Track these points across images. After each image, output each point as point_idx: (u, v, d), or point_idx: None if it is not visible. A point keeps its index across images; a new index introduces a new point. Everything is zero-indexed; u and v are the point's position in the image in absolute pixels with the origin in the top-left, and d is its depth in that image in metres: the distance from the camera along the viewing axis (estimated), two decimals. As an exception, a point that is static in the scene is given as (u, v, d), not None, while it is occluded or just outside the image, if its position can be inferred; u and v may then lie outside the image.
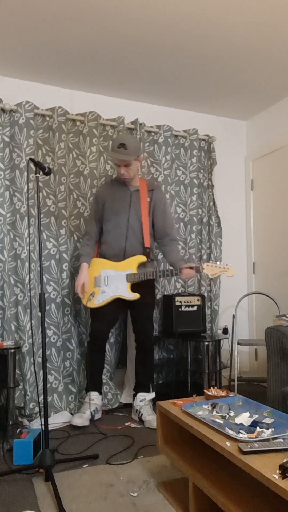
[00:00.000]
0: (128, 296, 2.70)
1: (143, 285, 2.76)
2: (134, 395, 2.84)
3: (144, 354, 2.83)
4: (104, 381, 3.06)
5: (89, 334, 2.85)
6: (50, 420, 2.81)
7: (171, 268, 2.77)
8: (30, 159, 2.13)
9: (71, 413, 2.92)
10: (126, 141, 2.62)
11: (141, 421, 2.73)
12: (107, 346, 3.11)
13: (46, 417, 2.03)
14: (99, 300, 2.74)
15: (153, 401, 3.06)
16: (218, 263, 2.56)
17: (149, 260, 2.78)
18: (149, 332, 2.81)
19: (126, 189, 2.82)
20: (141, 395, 2.80)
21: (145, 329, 2.80)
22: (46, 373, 2.10)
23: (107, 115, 3.42)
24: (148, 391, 2.83)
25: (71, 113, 3.24)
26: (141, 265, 2.76)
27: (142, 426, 2.69)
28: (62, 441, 2.46)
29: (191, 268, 2.60)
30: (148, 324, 2.82)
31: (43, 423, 2.70)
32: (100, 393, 2.83)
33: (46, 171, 2.14)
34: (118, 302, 2.75)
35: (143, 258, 2.73)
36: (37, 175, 2.17)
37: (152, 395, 2.84)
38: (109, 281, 2.74)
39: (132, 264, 2.72)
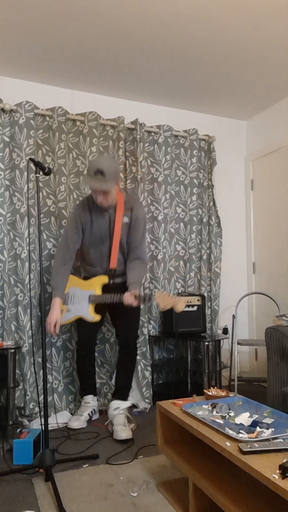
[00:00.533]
0: (88, 318, 2.65)
1: (120, 290, 2.64)
2: (110, 400, 2.71)
3: (126, 356, 2.72)
4: (104, 381, 3.06)
5: (76, 341, 2.82)
6: (50, 420, 2.81)
7: (118, 295, 2.54)
8: (30, 159, 2.12)
9: (71, 413, 2.92)
10: (104, 167, 2.37)
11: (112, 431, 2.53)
12: (107, 346, 3.11)
13: (46, 417, 2.03)
14: (64, 318, 2.72)
15: (153, 402, 3.06)
16: (171, 294, 2.53)
17: (110, 283, 2.67)
18: (131, 335, 2.72)
19: (104, 212, 2.63)
20: (115, 403, 2.62)
21: (127, 332, 2.70)
22: (46, 373, 2.10)
23: (107, 115, 3.42)
24: (124, 398, 2.68)
25: (71, 113, 3.24)
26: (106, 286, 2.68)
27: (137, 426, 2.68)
28: (62, 441, 2.46)
29: (135, 296, 2.43)
30: (132, 327, 2.72)
31: (43, 423, 2.70)
32: (95, 395, 2.81)
33: (46, 171, 2.14)
34: (99, 306, 2.68)
35: (104, 280, 2.66)
36: (37, 175, 2.16)
37: (127, 403, 2.68)
38: (75, 300, 2.72)
39: (95, 284, 2.66)
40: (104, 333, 3.12)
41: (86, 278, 2.77)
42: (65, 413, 2.87)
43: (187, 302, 3.18)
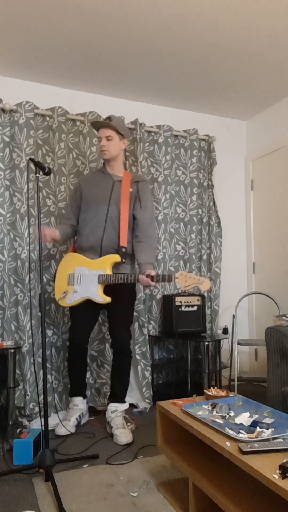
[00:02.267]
0: (97, 299, 2.48)
1: (121, 287, 2.59)
2: (107, 404, 2.65)
3: (120, 361, 2.62)
4: (103, 380, 3.06)
5: (68, 339, 2.70)
6: (50, 420, 2.81)
7: (134, 274, 2.46)
8: (30, 159, 2.12)
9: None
10: (113, 117, 2.59)
11: (112, 434, 2.51)
12: (107, 346, 3.10)
13: (46, 417, 2.03)
14: (70, 300, 2.55)
15: (153, 402, 3.06)
16: (193, 273, 2.32)
17: (123, 261, 2.54)
18: (125, 338, 2.61)
19: (108, 178, 2.65)
20: (112, 406, 2.58)
21: (120, 335, 2.60)
22: (46, 373, 2.09)
23: (107, 115, 3.42)
24: (121, 401, 2.62)
25: (71, 113, 3.24)
26: (116, 266, 2.56)
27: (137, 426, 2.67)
28: (62, 441, 2.46)
29: (151, 276, 2.34)
30: (124, 327, 2.62)
31: (43, 423, 2.69)
32: (84, 397, 2.72)
33: (46, 171, 2.14)
34: (94, 303, 2.54)
35: (116, 258, 2.49)
36: (37, 175, 2.17)
37: (125, 406, 2.63)
38: (82, 280, 2.53)
39: (105, 263, 2.50)
40: (104, 333, 3.11)
41: (87, 255, 2.61)
42: (65, 413, 2.86)
43: (188, 302, 3.18)
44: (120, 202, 2.58)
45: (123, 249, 2.55)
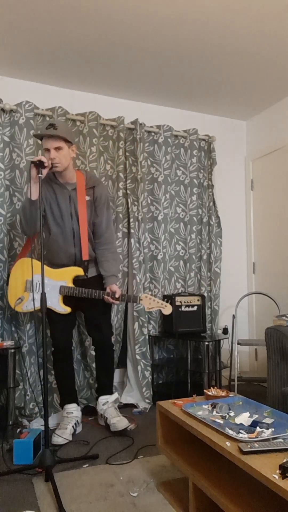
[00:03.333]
0: (58, 309, 2.50)
1: (94, 283, 2.58)
2: (96, 399, 2.71)
3: (103, 357, 2.66)
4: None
5: (52, 345, 2.65)
6: (50, 420, 2.81)
7: (99, 289, 2.51)
8: (32, 162, 2.14)
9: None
10: (57, 122, 2.38)
11: (107, 425, 2.57)
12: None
13: (46, 417, 2.03)
14: (27, 306, 2.51)
15: (153, 402, 3.06)
16: (156, 298, 2.48)
17: (86, 275, 2.55)
18: (104, 334, 2.64)
19: (63, 189, 2.53)
20: (103, 399, 2.64)
21: (100, 332, 2.62)
22: (46, 373, 2.09)
23: (107, 115, 3.42)
24: (110, 393, 2.68)
25: (71, 113, 3.24)
26: (76, 278, 2.54)
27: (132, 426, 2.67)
28: (60, 447, 2.45)
29: (115, 296, 2.44)
30: (104, 326, 2.64)
31: (43, 423, 2.69)
32: (78, 404, 2.66)
33: (46, 165, 2.19)
34: (69, 303, 2.53)
35: (79, 271, 2.51)
36: (40, 175, 2.18)
37: (115, 396, 2.70)
38: (41, 289, 2.46)
39: (67, 275, 2.51)
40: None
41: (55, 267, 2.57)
42: (57, 419, 2.85)
43: (188, 302, 3.18)
44: (79, 215, 2.52)
45: (85, 263, 2.54)
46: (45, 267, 2.54)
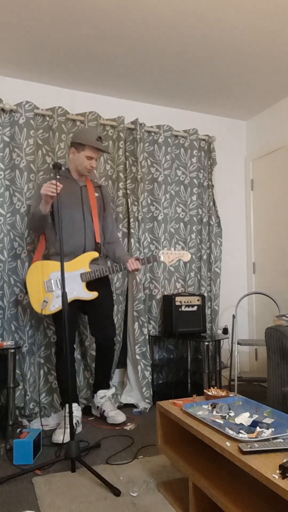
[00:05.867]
0: (86, 296, 2.55)
1: (98, 284, 2.64)
2: (93, 392, 2.82)
3: (104, 355, 2.72)
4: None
5: (56, 343, 2.66)
6: (49, 420, 2.81)
7: (119, 263, 2.64)
8: (53, 165, 2.24)
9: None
10: (101, 135, 2.66)
11: (103, 417, 2.72)
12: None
13: (70, 409, 2.05)
14: (55, 305, 2.52)
15: (153, 402, 3.06)
16: (172, 249, 2.57)
17: (100, 255, 2.68)
18: (109, 334, 2.68)
19: (75, 183, 2.72)
20: (101, 392, 2.76)
21: (105, 332, 2.66)
22: (68, 365, 2.05)
23: (107, 115, 3.42)
24: (107, 387, 2.80)
25: (71, 113, 3.24)
26: (92, 262, 2.63)
27: (131, 426, 2.68)
28: (59, 447, 2.45)
29: (139, 259, 2.59)
30: (109, 326, 2.69)
31: (43, 423, 2.70)
32: (78, 403, 2.67)
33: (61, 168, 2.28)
34: (73, 304, 2.58)
35: (95, 254, 2.61)
36: (58, 176, 2.26)
37: (112, 390, 2.82)
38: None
39: (84, 262, 2.58)
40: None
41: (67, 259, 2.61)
42: (57, 418, 2.86)
43: (188, 302, 3.18)
44: (91, 206, 2.70)
45: (98, 245, 2.67)
46: (56, 263, 2.60)
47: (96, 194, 2.76)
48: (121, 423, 2.64)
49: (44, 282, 2.57)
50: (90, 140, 2.59)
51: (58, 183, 2.30)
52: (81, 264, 2.58)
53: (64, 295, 2.12)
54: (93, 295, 2.57)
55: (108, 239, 2.82)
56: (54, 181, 2.32)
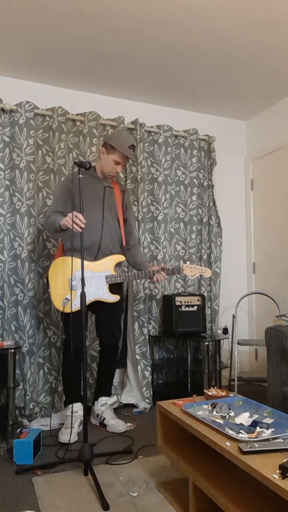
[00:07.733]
0: (109, 299, 2.54)
1: (112, 286, 2.62)
2: (94, 399, 2.76)
3: (108, 360, 2.71)
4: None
5: (64, 342, 2.62)
6: (52, 420, 2.81)
7: (143, 271, 2.63)
8: (75, 163, 2.16)
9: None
10: (134, 143, 2.59)
11: (102, 425, 2.65)
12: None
13: (84, 413, 2.04)
14: (76, 305, 2.49)
15: (153, 402, 3.07)
16: (195, 264, 2.58)
17: (127, 261, 2.70)
18: (115, 338, 2.67)
19: (99, 182, 2.67)
20: (102, 399, 2.71)
21: (111, 335, 2.65)
22: (84, 366, 2.03)
23: (107, 115, 3.42)
24: (109, 395, 2.75)
25: (71, 113, 3.24)
26: (116, 266, 2.62)
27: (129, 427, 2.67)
28: (67, 448, 2.45)
29: (163, 269, 2.61)
30: (115, 329, 2.67)
31: (43, 423, 2.70)
32: (82, 404, 2.67)
33: (87, 167, 2.20)
34: (90, 304, 2.57)
35: (121, 258, 2.61)
36: (80, 175, 2.18)
37: (113, 399, 2.80)
38: (86, 283, 2.51)
39: (109, 264, 2.57)
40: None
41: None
42: (61, 417, 2.86)
43: (188, 302, 3.18)
44: (116, 207, 2.68)
45: (123, 249, 2.67)
46: (85, 261, 2.56)
47: (121, 199, 2.75)
48: (122, 432, 2.57)
49: (69, 279, 2.53)
50: (122, 146, 2.53)
51: (82, 218, 2.26)
52: (107, 266, 2.57)
53: (83, 295, 2.10)
54: (116, 298, 2.56)
55: (127, 242, 2.79)
56: (80, 216, 2.26)
